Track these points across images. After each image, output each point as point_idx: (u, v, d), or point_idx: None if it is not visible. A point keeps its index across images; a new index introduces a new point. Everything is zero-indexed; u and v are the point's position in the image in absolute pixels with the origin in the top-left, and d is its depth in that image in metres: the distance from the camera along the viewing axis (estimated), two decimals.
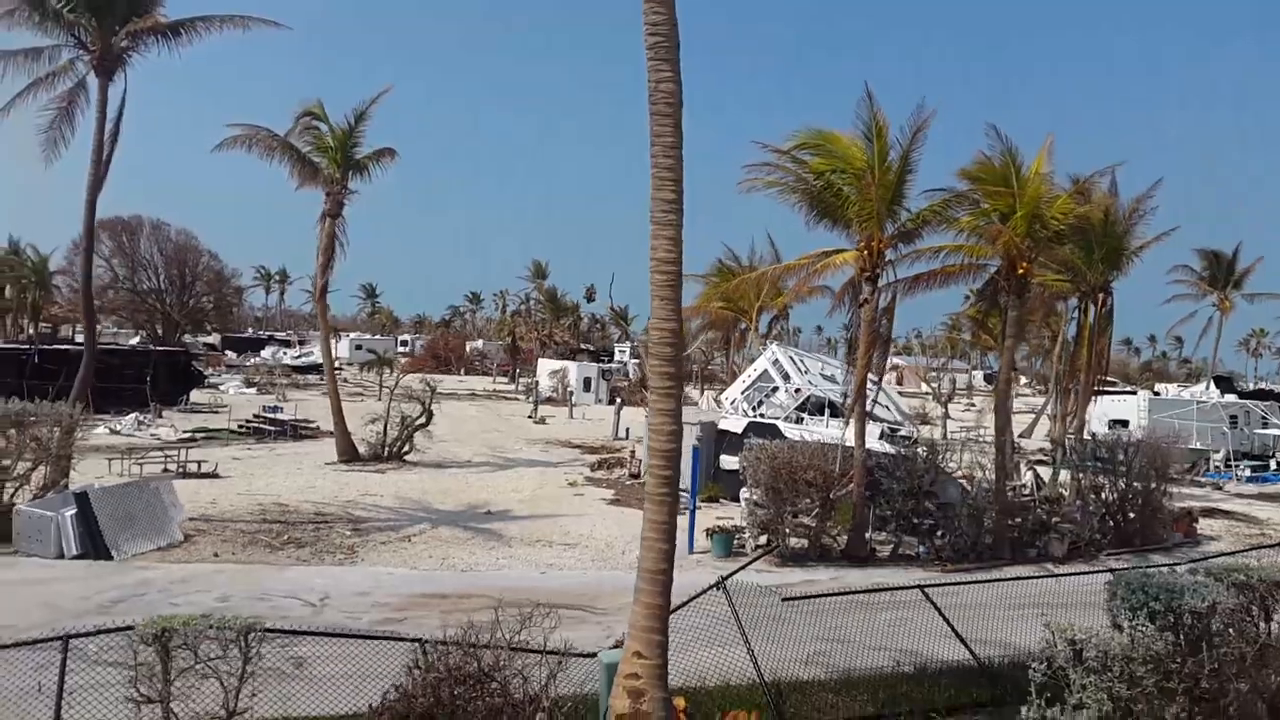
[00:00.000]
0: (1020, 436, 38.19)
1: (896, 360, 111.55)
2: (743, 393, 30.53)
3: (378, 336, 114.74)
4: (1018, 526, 19.96)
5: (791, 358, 31.50)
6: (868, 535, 19.67)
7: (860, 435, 18.98)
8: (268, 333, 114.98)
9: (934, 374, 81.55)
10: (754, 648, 10.59)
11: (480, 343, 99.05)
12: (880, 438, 25.48)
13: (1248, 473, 35.09)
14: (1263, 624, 10.12)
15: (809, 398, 29.04)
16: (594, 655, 9.45)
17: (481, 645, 7.94)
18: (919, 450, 20.66)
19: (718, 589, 11.12)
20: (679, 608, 10.54)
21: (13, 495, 16.54)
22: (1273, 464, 36.76)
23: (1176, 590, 9.24)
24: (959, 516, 19.51)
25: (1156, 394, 44.27)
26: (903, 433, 31.91)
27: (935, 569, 18.31)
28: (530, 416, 47.08)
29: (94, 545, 15.72)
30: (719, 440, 25.81)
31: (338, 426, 28.18)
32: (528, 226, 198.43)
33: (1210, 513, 26.84)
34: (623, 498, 24.67)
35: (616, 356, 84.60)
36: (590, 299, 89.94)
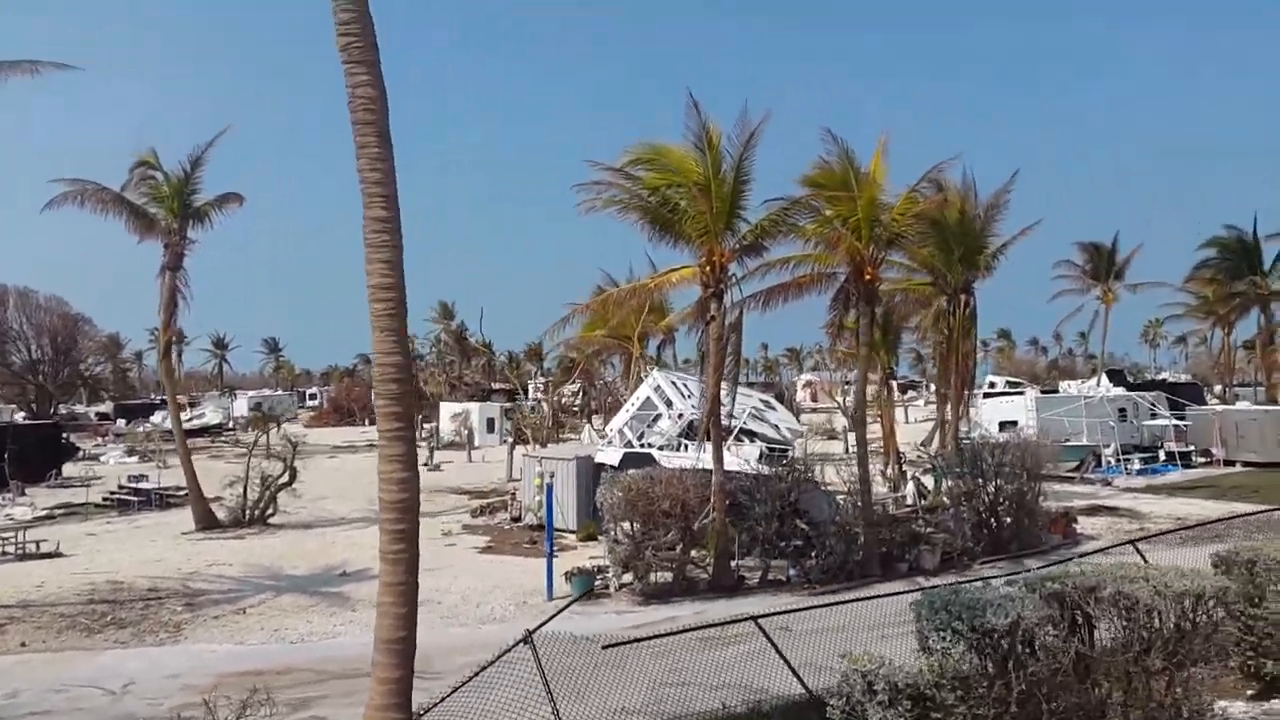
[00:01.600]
0: (922, 445, 38.30)
1: (809, 376, 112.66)
2: (626, 423, 29.74)
3: (279, 392, 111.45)
4: (888, 541, 19.43)
5: (674, 382, 30.83)
6: (735, 563, 18.96)
7: (718, 458, 18.28)
8: (161, 397, 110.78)
9: (846, 387, 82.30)
10: (568, 708, 9.69)
11: None
12: (760, 458, 24.90)
13: (1138, 465, 35.44)
14: (1087, 634, 9.56)
15: (692, 423, 28.38)
16: None
17: None
18: (786, 469, 20.05)
19: (525, 644, 10.20)
20: (483, 669, 9.62)
21: None
22: (1162, 454, 37.25)
23: (979, 607, 8.60)
24: (826, 535, 18.92)
25: (1049, 392, 44.70)
26: (792, 452, 31.49)
27: (804, 592, 17.67)
28: (425, 464, 45.57)
29: None
30: (596, 474, 24.94)
31: (192, 493, 26.57)
32: (435, 266, 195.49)
33: (1095, 510, 26.85)
34: (496, 545, 23.59)
35: (531, 394, 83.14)
36: (455, 337, 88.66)
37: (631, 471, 19.56)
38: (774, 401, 35.61)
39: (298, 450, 28.24)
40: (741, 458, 23.45)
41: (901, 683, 8.15)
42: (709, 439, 26.91)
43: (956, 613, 8.66)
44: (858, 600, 12.72)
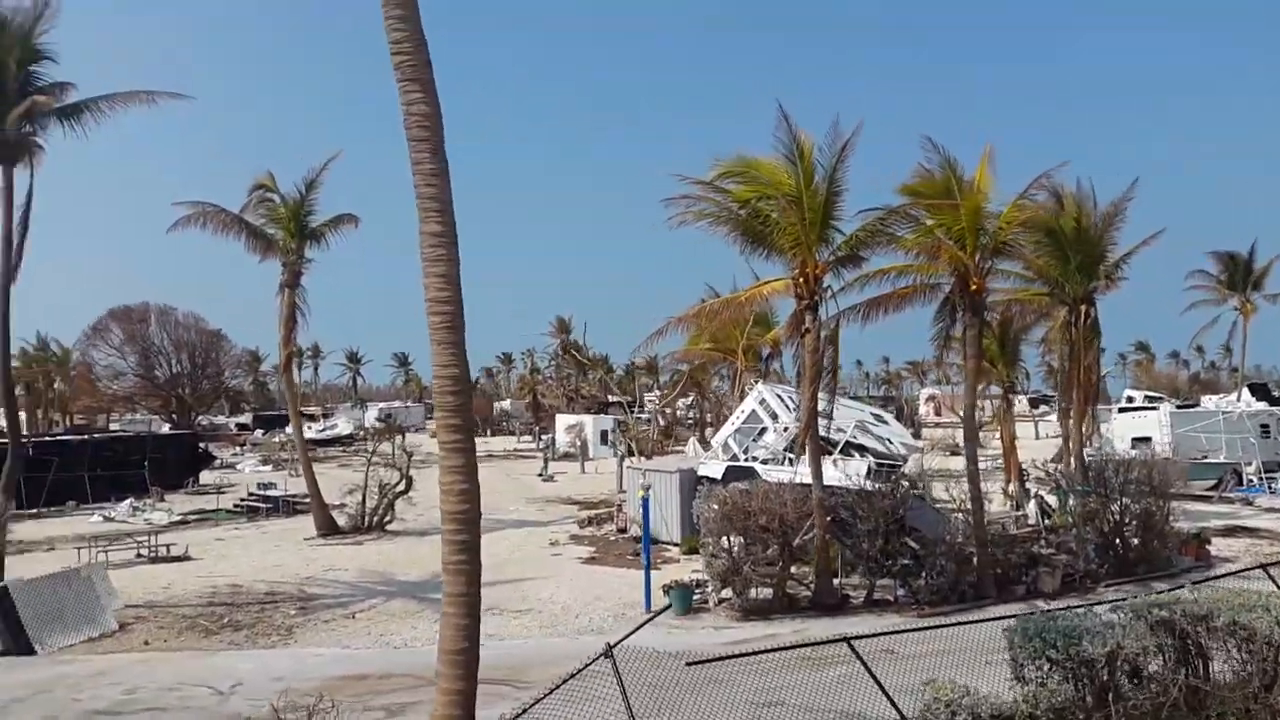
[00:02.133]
0: (1050, 461, 36.59)
1: (931, 390, 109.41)
2: (731, 436, 29.50)
3: (407, 404, 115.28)
4: (1003, 562, 18.63)
5: (779, 395, 30.43)
6: (839, 581, 18.51)
7: (816, 472, 17.89)
8: (315, 409, 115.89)
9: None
10: None
11: (507, 403, 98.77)
12: (868, 474, 24.27)
13: None
14: (1202, 665, 8.94)
15: (796, 436, 27.92)
16: None
17: None
18: (891, 485, 19.47)
19: (606, 658, 10.17)
20: (564, 682, 9.63)
21: None
22: None
23: (1075, 635, 8.14)
24: (935, 554, 18.26)
25: (1186, 407, 42.08)
26: (905, 467, 30.64)
27: (911, 613, 17.07)
28: (540, 474, 46.28)
29: (15, 641, 15.20)
30: (698, 487, 24.80)
31: (314, 500, 27.65)
32: (561, 282, 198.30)
33: (1232, 531, 25.17)
34: (600, 555, 23.70)
35: (646, 406, 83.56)
36: (565, 350, 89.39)
37: (732, 485, 19.38)
38: (886, 415, 34.69)
39: (413, 460, 29.05)
40: (848, 473, 22.93)
41: (987, 714, 7.77)
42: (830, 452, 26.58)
43: (1052, 640, 8.26)
44: (962, 624, 12.21)
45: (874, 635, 11.52)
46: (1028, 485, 29.39)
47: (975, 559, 18.27)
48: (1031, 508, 24.98)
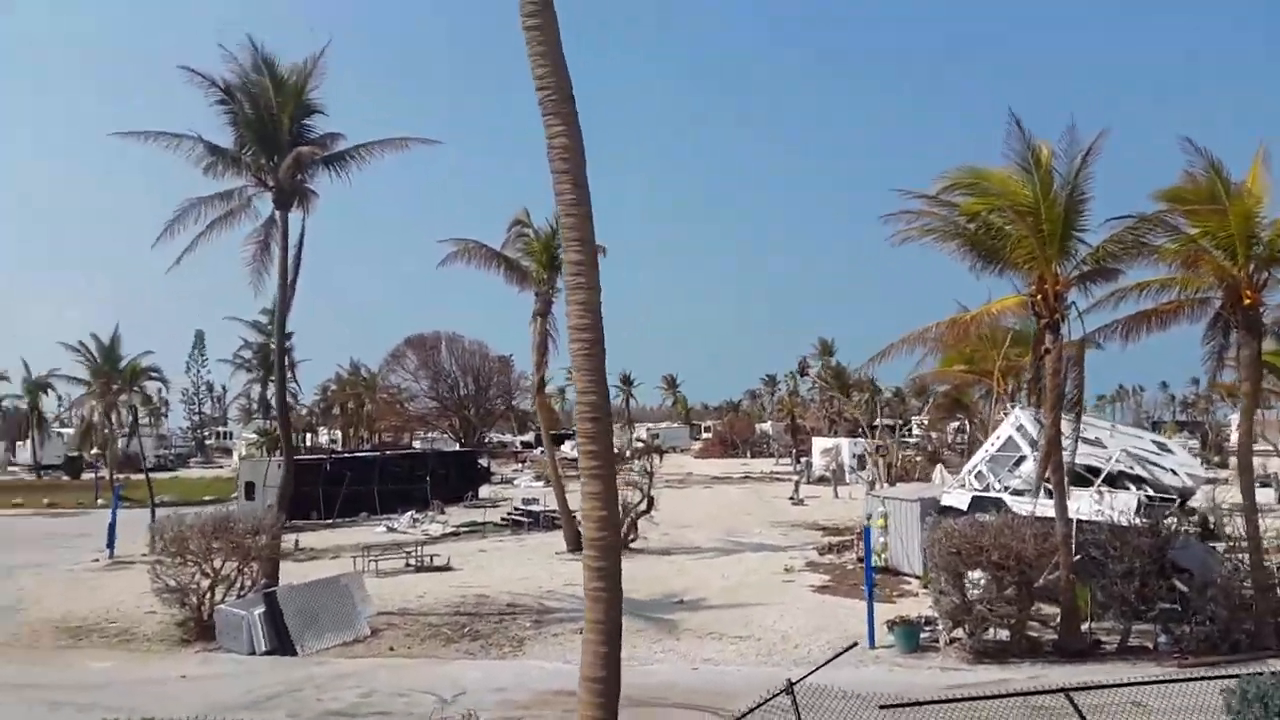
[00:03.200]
0: None
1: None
2: (984, 463, 27.74)
3: (675, 425, 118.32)
4: None
5: (1040, 421, 28.28)
6: (1089, 625, 16.89)
7: (1060, 506, 16.47)
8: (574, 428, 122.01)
9: None
10: None
11: (768, 425, 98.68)
12: (1139, 509, 22.02)
13: None
14: None
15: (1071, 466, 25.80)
16: None
17: None
18: (1152, 522, 17.53)
19: (786, 694, 9.93)
20: (742, 717, 9.56)
21: (223, 596, 18.36)
22: None
23: None
24: (1203, 599, 16.24)
25: None
26: (1193, 501, 27.60)
27: (1171, 663, 15.27)
28: (791, 498, 45.82)
29: (280, 641, 17.00)
30: (942, 517, 23.53)
31: (564, 516, 28.99)
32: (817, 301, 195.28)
33: None
34: (834, 584, 23.09)
35: (915, 431, 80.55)
36: (804, 373, 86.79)
37: (968, 518, 18.27)
38: (1172, 444, 31.32)
39: (667, 481, 29.78)
40: (1114, 507, 20.91)
41: None
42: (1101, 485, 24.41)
43: (1276, 709, 7.10)
44: (1211, 678, 10.72)
45: (1104, 686, 10.48)
46: None
47: (1254, 605, 16.07)
48: None
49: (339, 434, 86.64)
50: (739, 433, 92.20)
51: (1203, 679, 10.59)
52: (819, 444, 61.89)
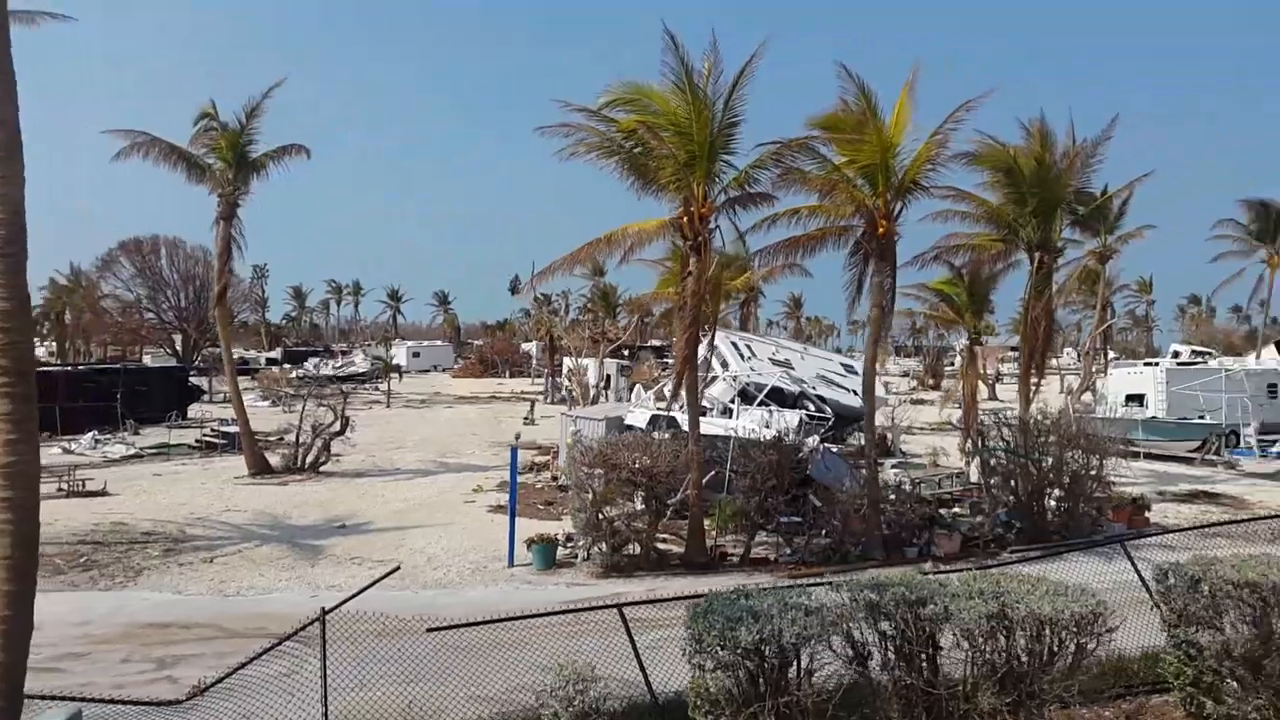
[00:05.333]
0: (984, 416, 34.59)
1: (965, 342, 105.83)
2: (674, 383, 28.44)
3: (439, 343, 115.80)
4: (896, 522, 17.41)
5: (734, 343, 29.20)
6: (728, 538, 17.48)
7: (694, 423, 16.78)
8: (340, 346, 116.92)
9: (1011, 353, 77.09)
10: (346, 698, 8.95)
11: (534, 345, 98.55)
12: (800, 427, 23.10)
13: (1279, 449, 31.00)
14: (930, 659, 7.81)
15: (745, 387, 26.73)
16: None
17: None
18: (777, 437, 18.28)
19: (318, 625, 9.36)
20: (262, 654, 8.87)
21: None
22: None
23: (735, 618, 7.05)
24: (822, 513, 17.15)
25: (1190, 364, 39.11)
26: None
27: (784, 573, 16.00)
28: (526, 417, 45.71)
29: None
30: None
31: (245, 439, 27.30)
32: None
33: (1194, 496, 23.49)
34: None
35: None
36: (514, 291, 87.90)
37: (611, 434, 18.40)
38: (856, 366, 33.28)
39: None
40: (779, 426, 21.74)
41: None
42: (787, 405, 25.38)
43: (719, 624, 7.15)
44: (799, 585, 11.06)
45: (653, 601, 10.65)
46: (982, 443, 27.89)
47: (866, 519, 17.10)
48: (974, 466, 23.57)
49: (54, 346, 78.60)
50: (500, 352, 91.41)
51: (791, 587, 11.06)
52: (568, 364, 62.10)
